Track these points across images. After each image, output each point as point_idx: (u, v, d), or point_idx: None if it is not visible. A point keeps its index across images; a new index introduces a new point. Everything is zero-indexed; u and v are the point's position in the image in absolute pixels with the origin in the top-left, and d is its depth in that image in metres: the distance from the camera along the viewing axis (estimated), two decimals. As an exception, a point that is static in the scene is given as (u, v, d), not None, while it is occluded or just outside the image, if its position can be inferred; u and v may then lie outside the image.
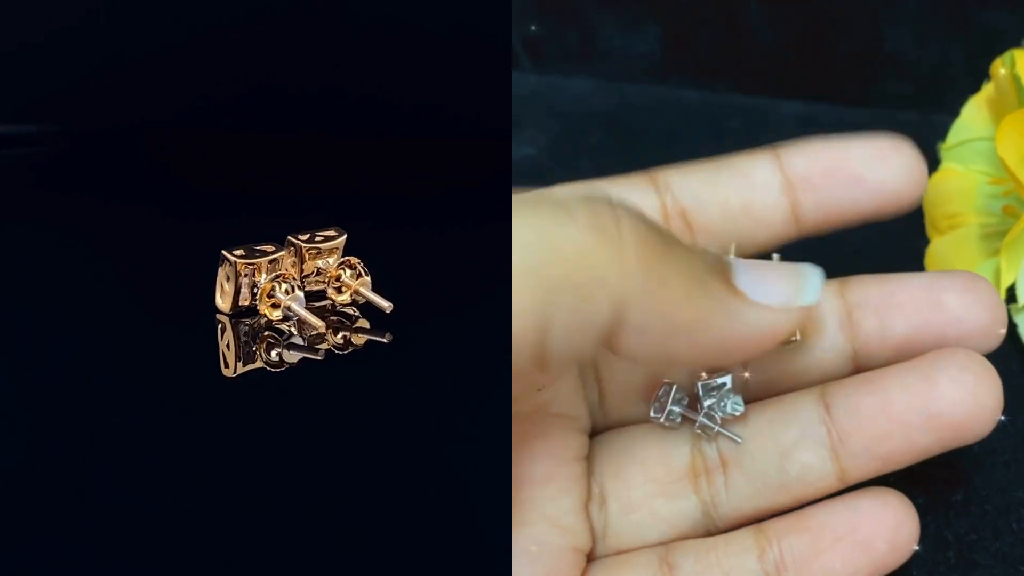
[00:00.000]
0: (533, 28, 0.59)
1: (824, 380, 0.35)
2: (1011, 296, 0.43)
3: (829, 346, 0.35)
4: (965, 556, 0.37)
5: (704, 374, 0.35)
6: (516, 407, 0.33)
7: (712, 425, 0.35)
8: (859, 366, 0.35)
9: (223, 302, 0.46)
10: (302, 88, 0.66)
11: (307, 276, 0.48)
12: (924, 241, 0.46)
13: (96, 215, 0.57)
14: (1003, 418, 0.33)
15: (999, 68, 0.43)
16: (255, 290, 0.46)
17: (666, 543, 0.34)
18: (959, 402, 0.32)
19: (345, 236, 0.48)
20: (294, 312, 0.45)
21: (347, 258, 0.48)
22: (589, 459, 0.35)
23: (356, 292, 0.47)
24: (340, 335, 0.46)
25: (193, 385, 0.43)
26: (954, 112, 0.47)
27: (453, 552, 0.35)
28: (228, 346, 0.45)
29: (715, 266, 0.30)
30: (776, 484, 0.34)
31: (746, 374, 0.36)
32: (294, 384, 0.43)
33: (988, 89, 0.46)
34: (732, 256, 0.34)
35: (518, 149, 0.55)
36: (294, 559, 0.34)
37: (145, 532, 0.35)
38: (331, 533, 0.35)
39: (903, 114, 0.55)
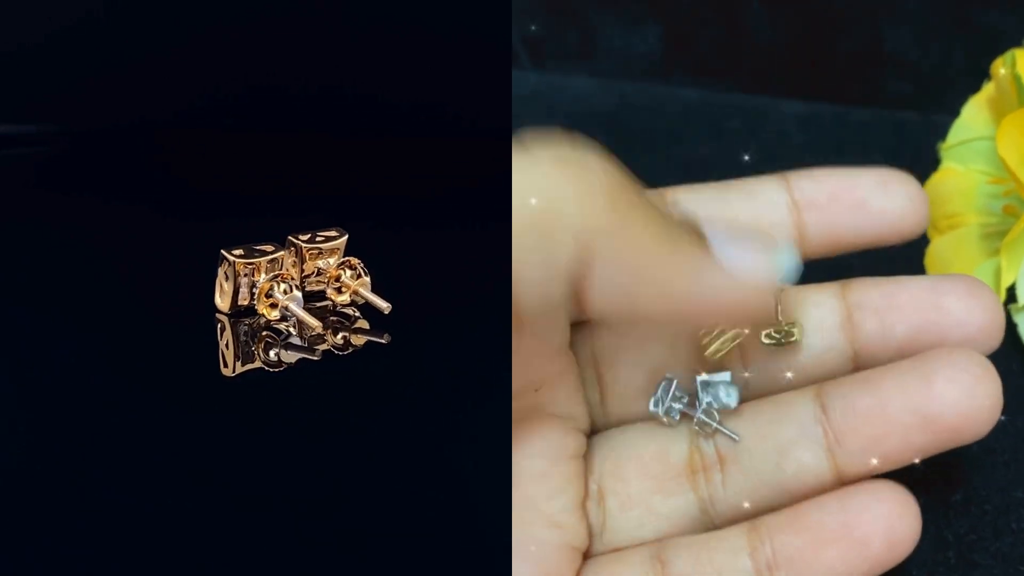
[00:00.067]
0: (533, 28, 0.59)
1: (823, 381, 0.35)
2: (1011, 296, 0.43)
3: (829, 347, 0.35)
4: (965, 556, 0.37)
5: (704, 373, 0.35)
6: (513, 405, 0.33)
7: (710, 422, 0.35)
8: (859, 367, 0.35)
9: (222, 302, 0.46)
10: (302, 88, 0.66)
11: (307, 276, 0.48)
12: (924, 241, 0.46)
13: (96, 215, 0.57)
14: (1002, 417, 0.33)
15: (999, 68, 0.43)
16: (254, 290, 0.46)
17: (661, 540, 0.34)
18: (956, 402, 0.32)
19: (346, 236, 0.48)
20: (291, 312, 0.45)
21: (347, 259, 0.48)
22: (587, 457, 0.35)
23: (355, 293, 0.47)
24: (340, 335, 0.46)
25: (193, 385, 0.43)
26: (954, 112, 0.47)
27: (453, 552, 0.35)
28: (227, 346, 0.45)
29: (686, 223, 0.31)
30: (773, 483, 0.34)
31: (746, 374, 0.36)
32: (294, 384, 0.43)
33: (988, 89, 0.46)
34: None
35: (518, 149, 0.55)
36: (294, 559, 0.34)
37: (145, 532, 0.35)
38: (331, 533, 0.35)
39: (903, 114, 0.55)
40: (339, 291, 0.48)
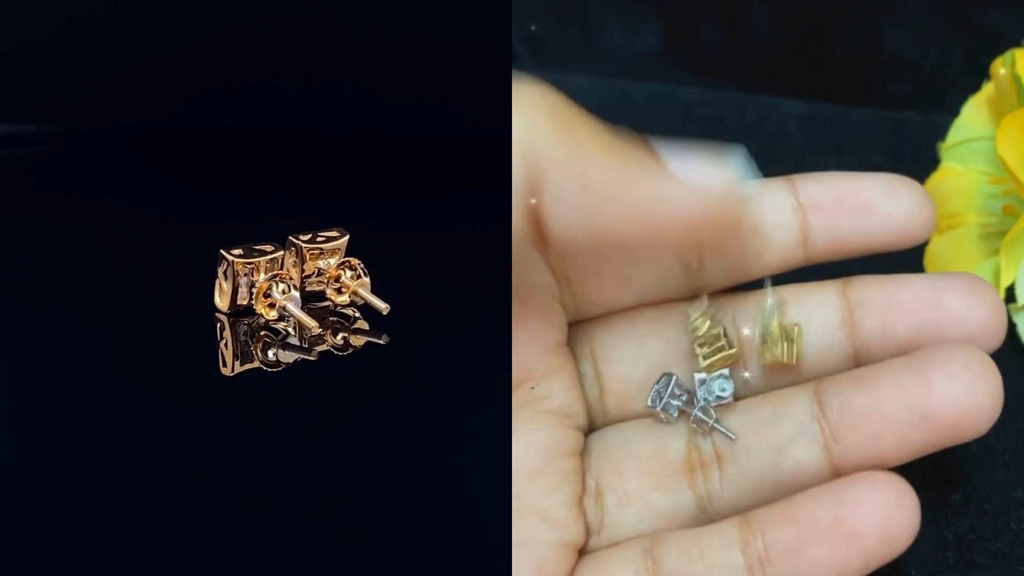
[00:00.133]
0: (533, 28, 0.59)
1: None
2: (1010, 296, 0.43)
3: (830, 345, 0.35)
4: (964, 556, 0.37)
5: (704, 371, 0.35)
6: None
7: (707, 420, 0.35)
8: (860, 366, 0.35)
9: (221, 301, 0.46)
10: (302, 88, 0.66)
11: (308, 276, 0.48)
12: (924, 241, 0.46)
13: (96, 215, 0.57)
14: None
15: (999, 68, 0.43)
16: (253, 290, 0.46)
17: (652, 535, 0.34)
18: (955, 400, 0.32)
19: (347, 237, 0.48)
20: (289, 312, 0.45)
21: (347, 259, 0.48)
22: (585, 454, 0.35)
23: (354, 293, 0.47)
24: (340, 336, 0.46)
25: (193, 385, 0.43)
26: (954, 112, 0.47)
27: (452, 552, 0.35)
28: (226, 345, 0.45)
29: (634, 138, 0.31)
30: (770, 481, 0.34)
31: (746, 374, 0.36)
32: (294, 384, 0.43)
33: (988, 89, 0.46)
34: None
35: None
36: (294, 559, 0.34)
37: (145, 532, 0.35)
38: (331, 533, 0.35)
39: (903, 114, 0.55)
40: (339, 292, 0.48)
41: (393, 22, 0.64)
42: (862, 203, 0.35)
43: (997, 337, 0.34)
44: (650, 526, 0.35)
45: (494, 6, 0.57)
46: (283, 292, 0.46)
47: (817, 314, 0.35)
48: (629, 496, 0.35)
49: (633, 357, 0.36)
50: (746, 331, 0.36)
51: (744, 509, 0.34)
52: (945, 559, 0.37)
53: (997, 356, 0.34)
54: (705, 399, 0.35)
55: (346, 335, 0.46)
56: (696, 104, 0.57)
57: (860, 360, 0.35)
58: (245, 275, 0.45)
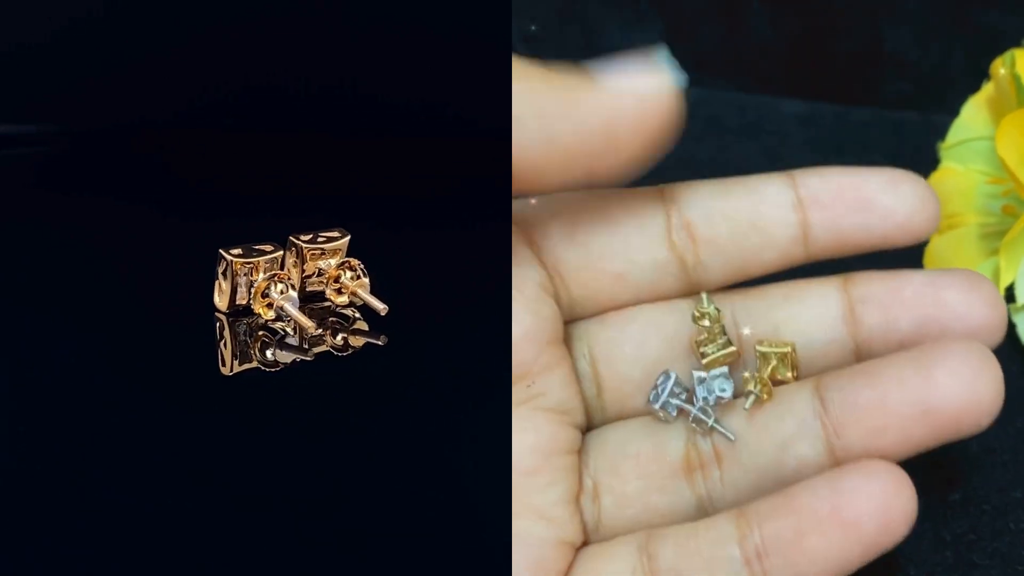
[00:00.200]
0: (533, 28, 0.59)
1: None
2: (1010, 296, 0.43)
3: (832, 340, 0.35)
4: (963, 556, 0.37)
5: (703, 369, 0.35)
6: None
7: (706, 420, 0.35)
8: (861, 361, 0.35)
9: (220, 301, 0.46)
10: (302, 88, 0.66)
11: (308, 277, 0.48)
12: (923, 241, 0.46)
13: (96, 215, 0.57)
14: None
15: (999, 68, 0.43)
16: (252, 289, 0.46)
17: (648, 530, 0.34)
18: (957, 394, 0.32)
19: (348, 237, 0.48)
20: (286, 312, 0.45)
21: (347, 260, 0.48)
22: (583, 452, 0.35)
23: (353, 294, 0.47)
24: (340, 336, 0.46)
25: (193, 385, 0.43)
26: (954, 112, 0.47)
27: (452, 552, 0.35)
28: (225, 344, 0.45)
29: (567, 66, 0.32)
30: (772, 478, 0.34)
31: (747, 374, 0.36)
32: (294, 384, 0.43)
33: (988, 89, 0.46)
34: None
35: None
36: (294, 559, 0.34)
37: (145, 532, 0.35)
38: (331, 533, 0.35)
39: (903, 114, 0.55)
40: (339, 292, 0.48)
41: (393, 22, 0.64)
42: (863, 198, 0.35)
43: (997, 333, 0.34)
44: (648, 527, 0.35)
45: (494, 6, 0.57)
46: (281, 292, 0.46)
47: (818, 309, 0.35)
48: (627, 498, 0.35)
49: (631, 355, 0.36)
50: (746, 331, 0.36)
51: None
52: (944, 559, 0.37)
53: (997, 356, 0.34)
54: (704, 398, 0.35)
55: (346, 336, 0.46)
56: (695, 103, 0.57)
57: (861, 356, 0.35)
58: (244, 275, 0.46)
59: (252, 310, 0.46)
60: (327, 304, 0.48)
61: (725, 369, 0.35)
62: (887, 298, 0.35)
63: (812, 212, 0.35)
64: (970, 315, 0.34)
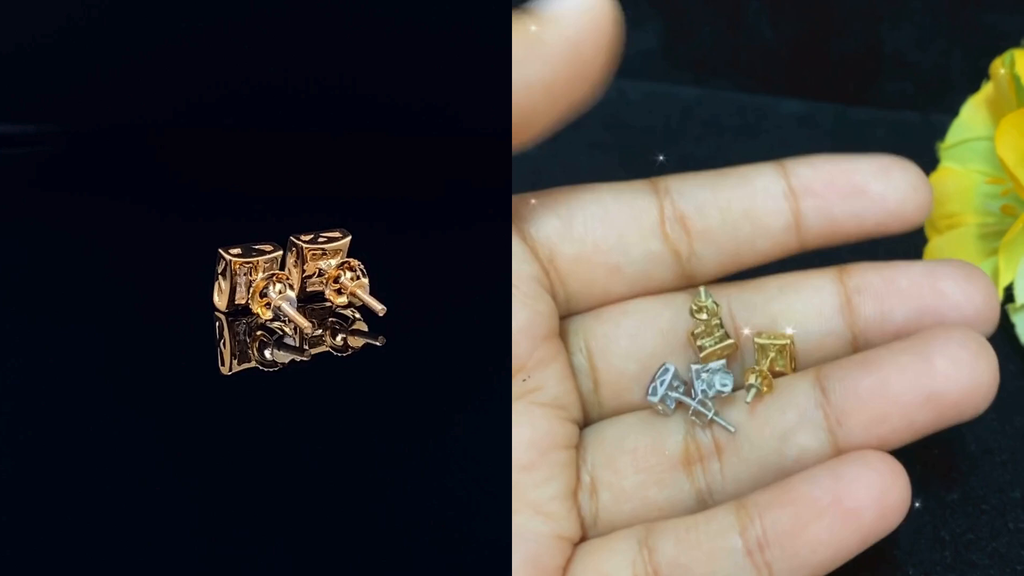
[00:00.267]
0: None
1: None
2: (1009, 296, 0.43)
3: (829, 331, 0.35)
4: (962, 556, 0.37)
5: (701, 362, 0.35)
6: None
7: (706, 412, 0.35)
8: (859, 351, 0.35)
9: (220, 300, 0.46)
10: (302, 88, 0.66)
11: (309, 277, 0.48)
12: (922, 240, 0.46)
13: (96, 215, 0.57)
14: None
15: (998, 68, 0.43)
16: (251, 289, 0.46)
17: (647, 523, 0.34)
18: (957, 380, 0.32)
19: (349, 238, 0.48)
20: (283, 312, 0.45)
21: (347, 260, 0.48)
22: (580, 447, 0.35)
23: (352, 294, 0.47)
24: (339, 337, 0.46)
25: (193, 385, 0.43)
26: (953, 112, 0.47)
27: (451, 551, 0.35)
28: (224, 344, 0.45)
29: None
30: (774, 468, 0.34)
31: (747, 369, 0.35)
32: (294, 384, 0.43)
33: (987, 89, 0.46)
34: None
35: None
36: (293, 557, 0.34)
37: (145, 532, 0.35)
38: (331, 532, 0.35)
39: (903, 114, 0.55)
40: (339, 292, 0.48)
41: (393, 22, 0.64)
42: (855, 186, 0.35)
43: (991, 322, 0.35)
44: (647, 521, 0.35)
45: (494, 6, 0.57)
46: (279, 292, 0.46)
47: (815, 301, 0.36)
48: (626, 492, 0.35)
49: (627, 349, 0.36)
50: (746, 331, 0.36)
51: None
52: (943, 559, 0.37)
53: (996, 356, 0.34)
54: (703, 392, 0.35)
55: (345, 336, 0.46)
56: (696, 104, 0.57)
57: (858, 346, 0.35)
58: (243, 275, 0.46)
59: (250, 310, 0.46)
60: (327, 304, 0.48)
61: (723, 363, 0.35)
62: (883, 288, 0.35)
63: (804, 201, 0.35)
64: (966, 305, 0.35)
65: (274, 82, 0.66)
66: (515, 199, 0.36)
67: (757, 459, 0.34)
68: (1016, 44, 0.45)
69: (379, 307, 0.46)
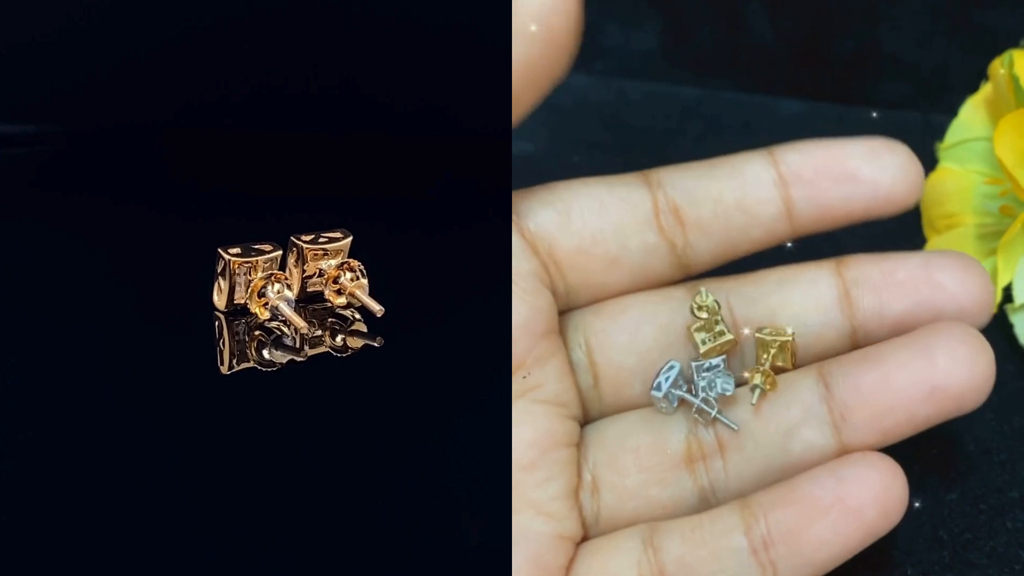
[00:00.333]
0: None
1: (824, 358, 0.35)
2: (1007, 296, 0.43)
3: (828, 324, 0.36)
4: (960, 555, 0.37)
5: (700, 357, 0.35)
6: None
7: (709, 411, 0.35)
8: (857, 344, 0.36)
9: (219, 300, 0.46)
10: (302, 88, 0.66)
11: (309, 277, 0.48)
12: (921, 240, 0.46)
13: (96, 215, 0.57)
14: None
15: (998, 68, 0.43)
16: (249, 289, 0.46)
17: (651, 522, 0.34)
18: (958, 373, 0.33)
19: (350, 238, 0.48)
20: (281, 312, 0.45)
21: (347, 260, 0.48)
22: (581, 446, 0.35)
23: (351, 295, 0.47)
24: (338, 337, 0.46)
25: (193, 385, 0.43)
26: (953, 112, 0.47)
27: (452, 551, 0.35)
28: (223, 343, 0.45)
29: None
30: (779, 465, 0.34)
31: (748, 371, 0.36)
32: (294, 383, 0.43)
33: (986, 89, 0.46)
34: None
35: (516, 145, 0.55)
36: (292, 556, 0.34)
37: (145, 532, 0.35)
38: (331, 532, 0.35)
39: (903, 114, 0.55)
40: (338, 293, 0.48)
41: (393, 22, 0.64)
42: (845, 171, 0.35)
43: (987, 313, 0.35)
44: (649, 520, 0.35)
45: (494, 6, 0.57)
46: (277, 292, 0.46)
47: (813, 294, 0.36)
48: (628, 492, 0.35)
49: (627, 344, 0.36)
50: (746, 331, 0.36)
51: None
52: (941, 558, 0.37)
53: (995, 356, 0.34)
54: (705, 388, 0.35)
55: (344, 337, 0.46)
56: (695, 104, 0.57)
57: (857, 338, 0.36)
58: (243, 274, 0.46)
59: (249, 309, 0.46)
60: (327, 305, 0.48)
61: (723, 359, 0.35)
62: (881, 280, 0.35)
63: (794, 188, 0.35)
64: (963, 296, 0.35)
65: (274, 82, 0.66)
66: (514, 197, 0.36)
67: (762, 456, 0.34)
68: (1015, 44, 0.46)
69: (377, 308, 0.46)
